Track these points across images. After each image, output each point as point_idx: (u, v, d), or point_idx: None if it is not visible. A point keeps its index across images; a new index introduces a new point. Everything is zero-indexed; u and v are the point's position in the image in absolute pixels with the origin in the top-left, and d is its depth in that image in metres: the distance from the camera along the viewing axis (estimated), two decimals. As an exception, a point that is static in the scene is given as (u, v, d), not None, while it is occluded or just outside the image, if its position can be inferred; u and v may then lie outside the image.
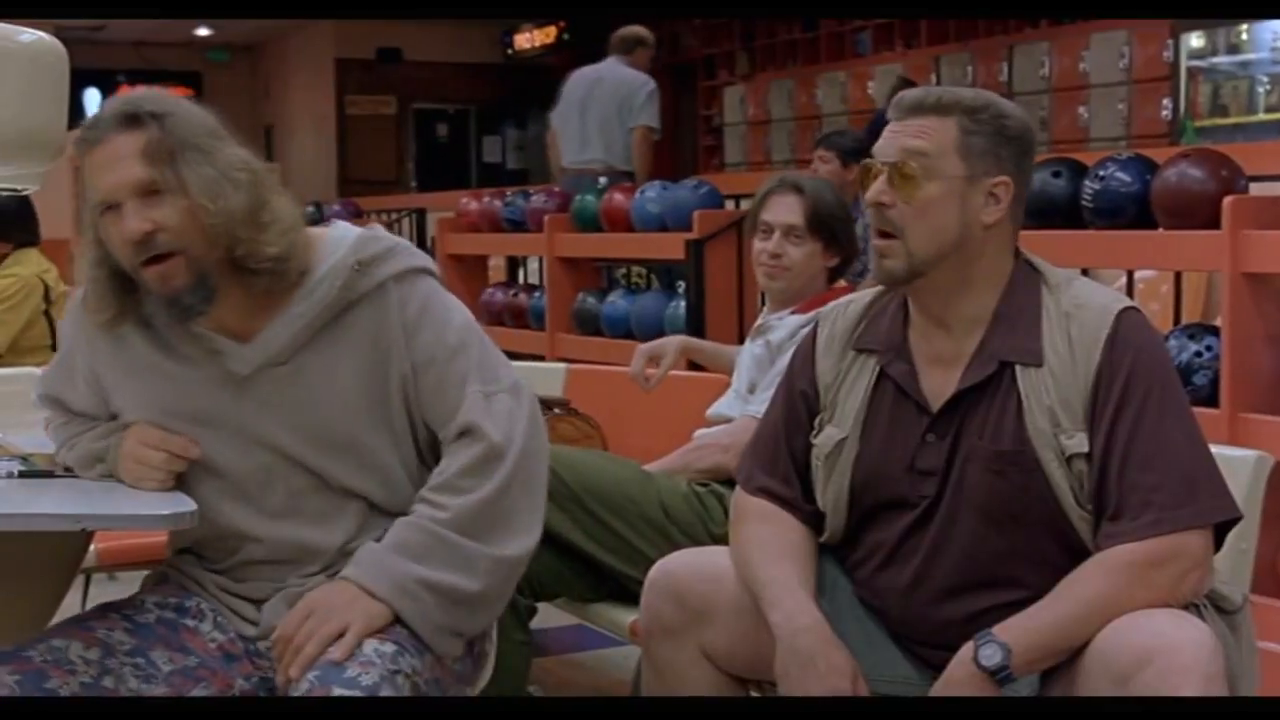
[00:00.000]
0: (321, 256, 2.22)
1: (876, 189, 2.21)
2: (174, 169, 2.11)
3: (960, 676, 2.08)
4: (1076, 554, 2.13)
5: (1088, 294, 2.22)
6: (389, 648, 2.08)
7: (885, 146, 2.23)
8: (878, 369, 2.29)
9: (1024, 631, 2.07)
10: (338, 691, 1.99)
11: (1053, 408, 2.14)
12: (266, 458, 2.23)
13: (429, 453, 2.28)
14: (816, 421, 2.34)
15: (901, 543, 2.25)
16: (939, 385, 2.24)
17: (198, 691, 2.17)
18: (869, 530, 2.30)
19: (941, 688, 2.11)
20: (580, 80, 8.23)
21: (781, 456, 2.38)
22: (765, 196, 3.32)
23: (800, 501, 2.35)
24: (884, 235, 2.22)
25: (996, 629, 2.08)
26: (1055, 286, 2.23)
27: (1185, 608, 2.06)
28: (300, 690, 2.01)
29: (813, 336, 2.40)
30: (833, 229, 3.29)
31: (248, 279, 2.16)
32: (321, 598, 2.11)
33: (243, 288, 2.17)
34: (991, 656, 2.05)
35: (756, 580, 2.25)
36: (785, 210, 3.27)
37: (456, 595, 2.15)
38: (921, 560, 2.23)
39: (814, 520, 2.35)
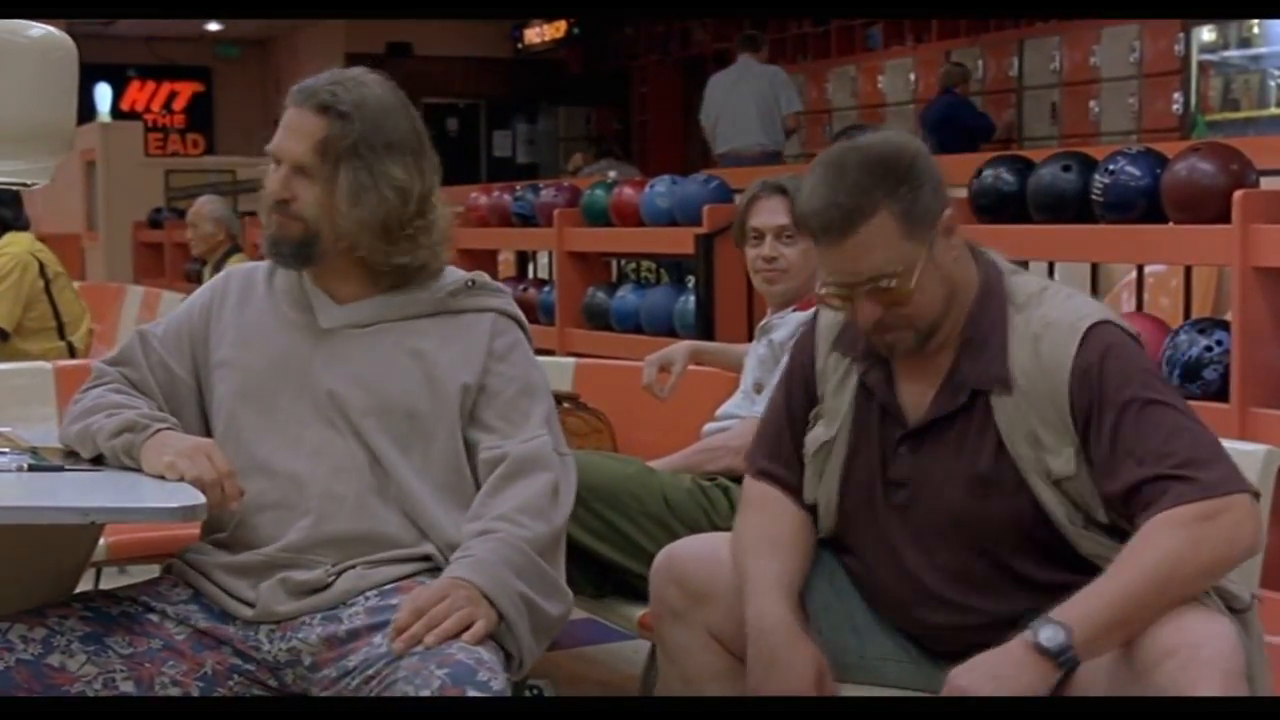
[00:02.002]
0: (449, 274, 2.45)
1: (867, 314, 2.15)
2: (333, 166, 2.32)
3: (1019, 656, 1.98)
4: (1072, 568, 2.11)
5: (1058, 312, 2.17)
6: (494, 658, 2.15)
7: (843, 276, 2.14)
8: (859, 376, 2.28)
9: (1085, 610, 1.98)
10: (471, 693, 2.05)
11: (1033, 431, 2.13)
12: (315, 399, 2.36)
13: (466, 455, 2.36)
14: (811, 415, 2.34)
15: (891, 551, 2.25)
16: (914, 397, 2.23)
17: (165, 669, 2.22)
18: (858, 533, 2.30)
19: (996, 658, 1.99)
20: (721, 82, 10.02)
21: (785, 441, 2.38)
22: (749, 203, 3.31)
23: (802, 485, 2.35)
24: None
25: (1054, 612, 1.99)
26: (1024, 305, 2.19)
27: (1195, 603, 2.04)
28: (431, 687, 2.06)
29: (813, 324, 2.39)
30: None
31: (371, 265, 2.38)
32: (453, 586, 2.19)
33: (363, 267, 2.38)
34: (1053, 637, 1.96)
35: (741, 573, 2.26)
36: (772, 212, 3.26)
37: (544, 620, 2.26)
38: (911, 569, 2.23)
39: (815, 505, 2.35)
